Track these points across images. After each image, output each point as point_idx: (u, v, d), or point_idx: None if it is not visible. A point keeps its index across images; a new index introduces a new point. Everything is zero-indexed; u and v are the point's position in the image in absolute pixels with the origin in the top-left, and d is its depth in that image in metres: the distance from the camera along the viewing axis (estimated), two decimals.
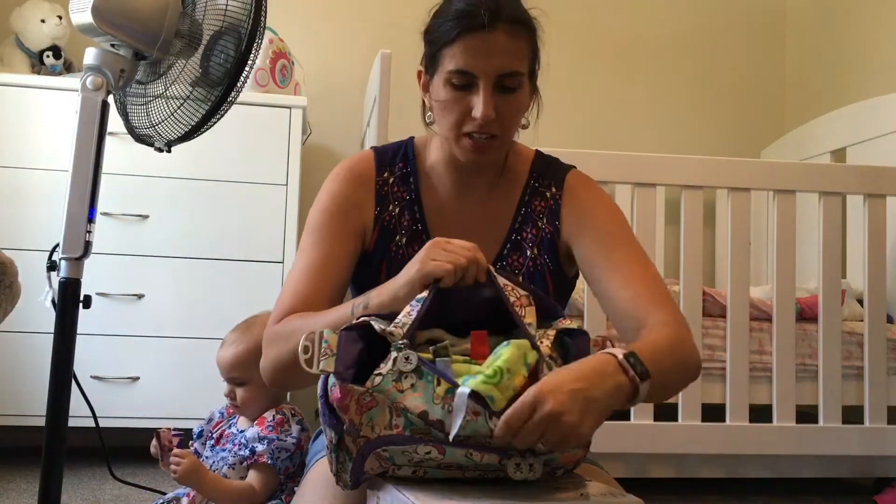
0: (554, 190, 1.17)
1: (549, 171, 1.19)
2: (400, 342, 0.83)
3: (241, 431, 1.36)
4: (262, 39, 1.26)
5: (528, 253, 1.14)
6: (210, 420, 1.45)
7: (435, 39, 1.07)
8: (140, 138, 1.35)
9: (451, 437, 0.79)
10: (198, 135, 1.31)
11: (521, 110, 1.10)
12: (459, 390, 0.79)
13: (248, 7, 1.23)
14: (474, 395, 0.78)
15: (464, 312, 0.91)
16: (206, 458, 1.38)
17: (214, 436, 1.41)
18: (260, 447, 1.30)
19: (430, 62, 1.09)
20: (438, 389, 0.80)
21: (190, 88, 1.27)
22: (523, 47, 1.06)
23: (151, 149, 1.35)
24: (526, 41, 1.06)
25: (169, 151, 1.34)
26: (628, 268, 1.10)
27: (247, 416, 1.39)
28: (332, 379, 0.83)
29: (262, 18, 1.25)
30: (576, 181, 1.19)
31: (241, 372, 1.36)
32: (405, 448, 0.81)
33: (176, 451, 1.27)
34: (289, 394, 2.29)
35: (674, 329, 1.00)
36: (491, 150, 1.08)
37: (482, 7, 1.02)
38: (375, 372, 0.81)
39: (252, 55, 1.24)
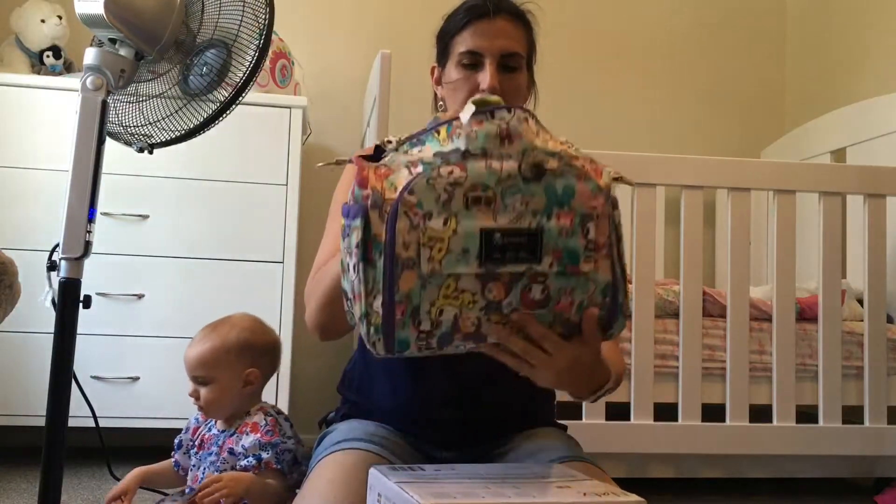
0: None
1: None
2: (395, 144, 0.88)
3: (230, 434, 1.33)
4: (265, 62, 1.28)
5: None
6: (187, 429, 1.42)
7: (447, 32, 1.25)
8: (112, 135, 1.35)
9: (463, 118, 0.83)
10: (182, 141, 1.33)
11: (521, 91, 1.24)
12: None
13: (261, 27, 1.24)
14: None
15: None
16: (193, 466, 1.36)
17: (196, 442, 1.38)
18: (266, 454, 1.28)
19: (442, 54, 1.26)
20: (441, 135, 0.85)
21: (171, 96, 1.29)
22: (522, 35, 1.23)
23: (160, 148, 1.36)
24: (524, 32, 1.24)
25: (150, 153, 1.35)
26: None
27: (212, 416, 1.36)
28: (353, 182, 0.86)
29: (268, 47, 1.27)
30: None
31: (205, 370, 1.32)
32: (428, 175, 0.81)
33: (206, 482, 1.24)
34: (287, 389, 2.30)
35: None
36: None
37: (487, 1, 1.21)
38: (382, 156, 0.86)
39: (256, 76, 1.27)
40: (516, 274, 0.83)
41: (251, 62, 1.26)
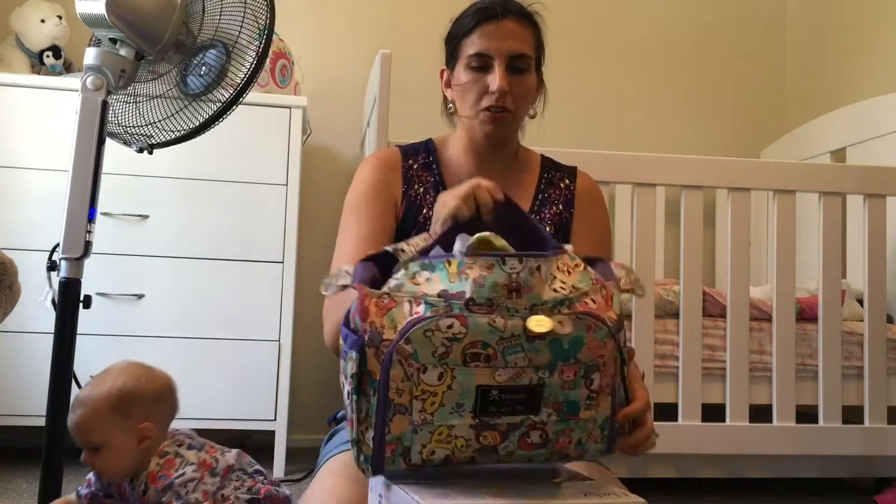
0: (567, 182, 1.34)
1: (558, 168, 1.36)
2: (408, 258, 0.85)
3: (142, 491, 1.22)
4: (264, 63, 1.28)
5: (548, 229, 1.27)
6: (110, 483, 1.29)
7: (455, 35, 1.26)
8: (112, 134, 1.35)
9: (461, 251, 0.83)
10: (177, 143, 1.33)
11: (530, 92, 1.26)
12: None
13: (261, 29, 1.25)
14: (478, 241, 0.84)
15: None
16: None
17: (118, 493, 1.28)
18: (165, 497, 1.18)
19: (451, 56, 1.28)
20: (451, 268, 0.82)
21: (171, 97, 1.29)
22: (530, 36, 1.24)
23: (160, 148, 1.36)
24: (532, 33, 1.25)
25: (150, 153, 1.35)
26: None
27: (112, 480, 1.23)
28: (353, 304, 0.83)
29: (268, 49, 1.27)
30: (589, 181, 1.36)
31: (92, 436, 1.18)
32: (426, 327, 0.78)
33: None
34: (287, 391, 2.29)
35: None
36: (505, 122, 1.23)
37: (495, 3, 1.22)
38: (391, 279, 0.83)
39: (257, 77, 1.27)
40: (513, 424, 0.82)
41: (252, 63, 1.26)
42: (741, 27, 3.23)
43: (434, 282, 0.82)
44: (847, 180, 2.16)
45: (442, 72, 1.32)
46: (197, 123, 1.30)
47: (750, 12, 3.24)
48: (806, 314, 2.18)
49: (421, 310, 0.80)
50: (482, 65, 1.21)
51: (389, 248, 0.86)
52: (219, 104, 1.29)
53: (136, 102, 1.32)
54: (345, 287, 0.84)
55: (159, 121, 1.31)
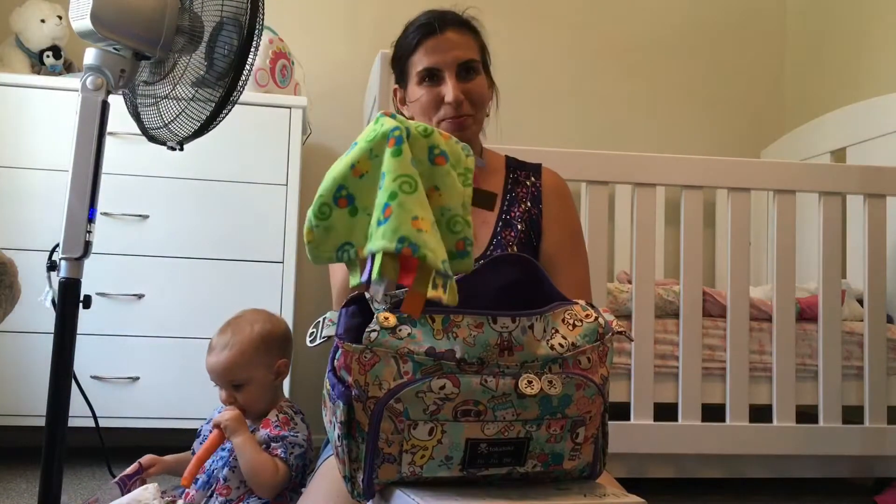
0: (533, 179, 1.37)
1: (524, 166, 1.40)
2: (381, 307, 0.84)
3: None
4: (262, 27, 1.25)
5: (519, 227, 1.31)
6: (209, 420, 1.44)
7: (401, 56, 1.31)
8: (153, 138, 1.34)
9: (373, 298, 0.83)
10: (209, 130, 1.31)
11: (484, 93, 1.30)
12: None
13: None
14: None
15: (482, 296, 0.90)
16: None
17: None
18: (273, 444, 1.31)
19: (401, 76, 1.33)
20: (436, 324, 0.82)
21: (195, 86, 1.27)
22: (472, 42, 1.30)
23: (160, 148, 1.35)
24: (473, 38, 1.30)
25: (181, 150, 1.34)
26: (581, 271, 1.33)
27: (251, 417, 1.38)
28: (338, 352, 0.83)
29: (261, 7, 1.25)
30: (554, 178, 1.39)
31: (239, 374, 1.35)
32: (418, 388, 0.79)
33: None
34: (287, 389, 2.29)
35: None
36: (467, 126, 1.28)
37: (432, 19, 1.28)
38: (368, 329, 0.82)
39: (255, 42, 1.23)
40: (498, 474, 0.84)
41: (245, 21, 1.21)
42: (741, 27, 3.23)
43: (418, 337, 0.82)
44: (847, 180, 2.16)
45: (395, 90, 1.36)
46: (214, 105, 1.26)
47: (750, 12, 3.24)
48: (806, 314, 2.18)
49: (409, 368, 0.80)
50: (433, 78, 1.26)
51: (366, 296, 0.86)
52: (226, 80, 1.25)
53: (175, 98, 1.31)
54: (329, 338, 0.85)
55: (178, 115, 1.29)
